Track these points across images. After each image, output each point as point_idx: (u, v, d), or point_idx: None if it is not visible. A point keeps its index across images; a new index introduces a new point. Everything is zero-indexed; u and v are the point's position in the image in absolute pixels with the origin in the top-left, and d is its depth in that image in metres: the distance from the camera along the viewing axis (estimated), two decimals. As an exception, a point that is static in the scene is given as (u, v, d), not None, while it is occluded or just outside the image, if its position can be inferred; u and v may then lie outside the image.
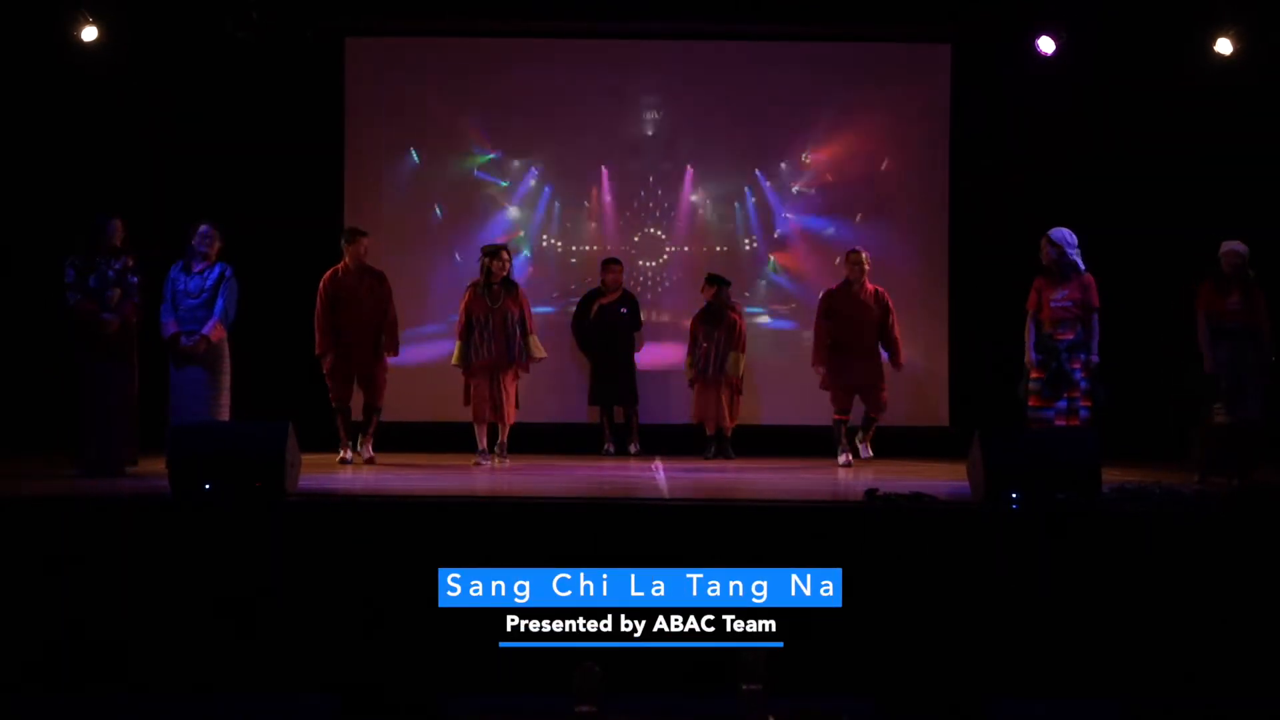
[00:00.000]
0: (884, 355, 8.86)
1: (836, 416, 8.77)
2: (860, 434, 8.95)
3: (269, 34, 9.21)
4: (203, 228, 7.68)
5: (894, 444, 9.12)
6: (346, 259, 8.39)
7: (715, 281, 9.14)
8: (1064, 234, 7.62)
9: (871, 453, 8.94)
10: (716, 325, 9.03)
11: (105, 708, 5.38)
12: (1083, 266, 7.58)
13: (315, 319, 8.33)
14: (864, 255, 8.81)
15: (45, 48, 9.03)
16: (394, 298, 8.51)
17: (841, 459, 8.64)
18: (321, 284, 8.37)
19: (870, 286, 8.80)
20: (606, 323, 9.48)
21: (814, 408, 9.22)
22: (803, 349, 9.77)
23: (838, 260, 9.18)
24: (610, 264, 9.56)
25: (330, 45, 9.92)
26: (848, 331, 8.73)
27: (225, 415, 7.66)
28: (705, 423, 9.09)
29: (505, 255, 8.49)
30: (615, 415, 9.54)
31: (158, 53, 9.26)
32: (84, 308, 7.35)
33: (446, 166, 10.14)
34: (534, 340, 8.47)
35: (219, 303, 7.60)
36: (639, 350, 9.66)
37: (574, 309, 9.73)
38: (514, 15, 9.80)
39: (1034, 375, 7.57)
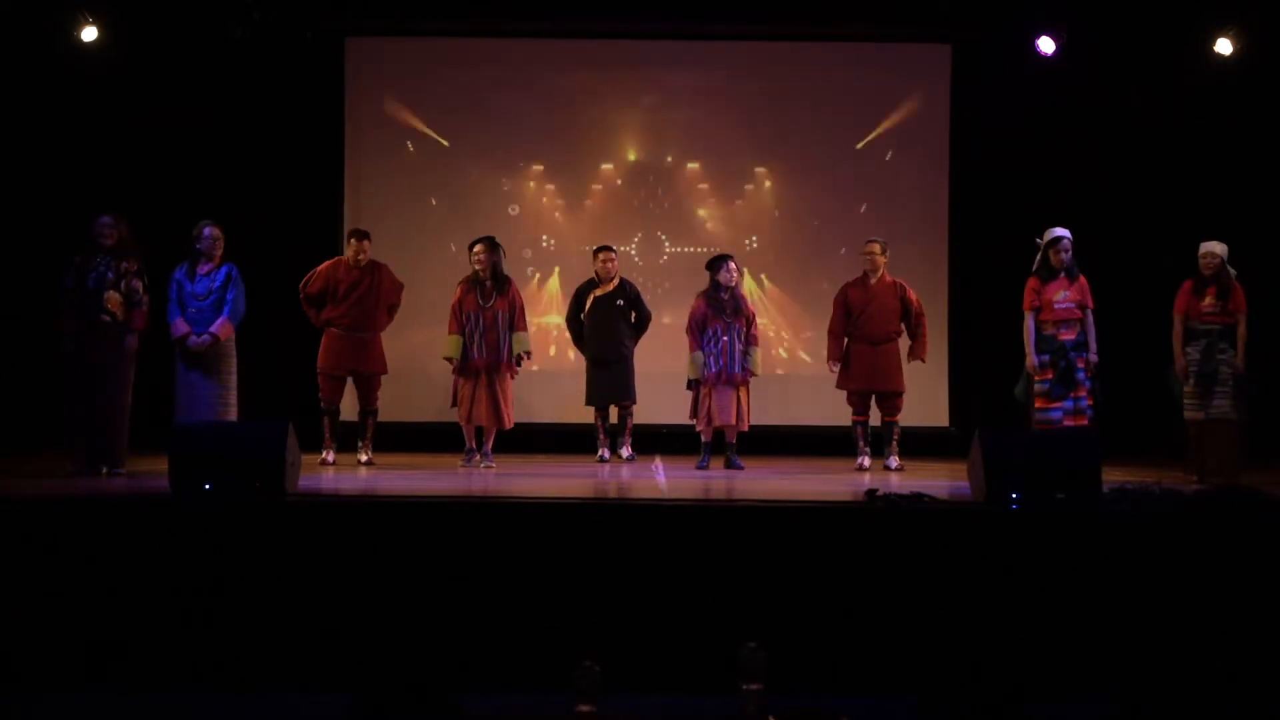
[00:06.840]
0: (900, 358, 8.41)
1: (855, 418, 8.35)
2: (885, 447, 8.30)
3: (269, 34, 9.22)
4: (207, 229, 7.64)
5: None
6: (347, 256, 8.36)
7: (726, 260, 8.29)
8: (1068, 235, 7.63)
9: (900, 463, 8.26)
10: (735, 316, 8.24)
11: (106, 708, 5.37)
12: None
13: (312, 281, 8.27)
14: (879, 245, 8.35)
15: (45, 47, 9.02)
16: (398, 287, 8.46)
17: (860, 462, 8.24)
18: (322, 265, 8.34)
19: (888, 279, 8.37)
20: (602, 316, 8.74)
21: (813, 408, 9.20)
22: (801, 349, 9.78)
23: (837, 263, 9.15)
24: (601, 251, 8.74)
25: (330, 45, 9.93)
26: (863, 328, 8.27)
27: (233, 415, 7.64)
28: (713, 429, 8.17)
29: (481, 249, 8.14)
30: (610, 416, 8.83)
31: (157, 53, 9.27)
32: (67, 325, 7.29)
33: (447, 167, 10.15)
34: (519, 336, 8.10)
35: (228, 302, 7.60)
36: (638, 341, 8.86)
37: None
38: (514, 15, 9.82)
39: (1041, 376, 7.55)
